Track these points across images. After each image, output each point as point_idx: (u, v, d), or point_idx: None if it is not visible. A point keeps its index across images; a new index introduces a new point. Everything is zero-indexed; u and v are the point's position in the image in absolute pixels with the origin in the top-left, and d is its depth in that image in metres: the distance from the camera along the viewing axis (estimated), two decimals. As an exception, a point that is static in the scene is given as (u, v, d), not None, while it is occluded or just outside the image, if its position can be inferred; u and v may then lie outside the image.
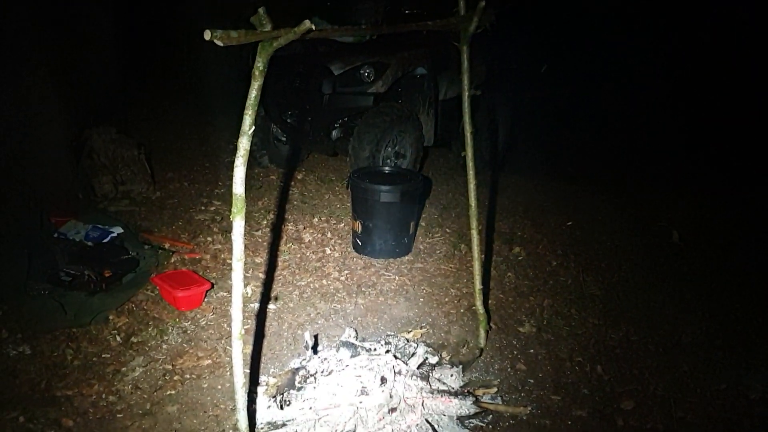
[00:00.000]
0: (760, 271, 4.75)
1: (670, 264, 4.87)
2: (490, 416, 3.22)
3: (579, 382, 3.53)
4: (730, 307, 4.24)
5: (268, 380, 3.47)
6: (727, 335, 3.93)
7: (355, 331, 3.85)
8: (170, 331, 3.97)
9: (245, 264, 2.62)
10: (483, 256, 3.91)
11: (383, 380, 3.24)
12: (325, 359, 3.49)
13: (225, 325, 3.96)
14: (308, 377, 3.33)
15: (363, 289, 4.60)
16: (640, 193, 6.49)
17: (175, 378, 3.50)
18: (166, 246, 5.01)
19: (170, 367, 3.60)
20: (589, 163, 7.91)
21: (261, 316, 4.17)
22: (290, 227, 5.58)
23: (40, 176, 5.58)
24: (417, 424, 3.05)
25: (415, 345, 3.75)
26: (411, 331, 4.00)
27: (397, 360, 3.47)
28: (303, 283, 4.65)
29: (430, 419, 3.10)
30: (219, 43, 2.20)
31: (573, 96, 8.74)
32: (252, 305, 4.20)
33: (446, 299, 4.47)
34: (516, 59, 7.69)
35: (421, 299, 4.47)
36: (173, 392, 3.38)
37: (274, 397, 3.24)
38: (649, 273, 4.74)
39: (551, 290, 4.56)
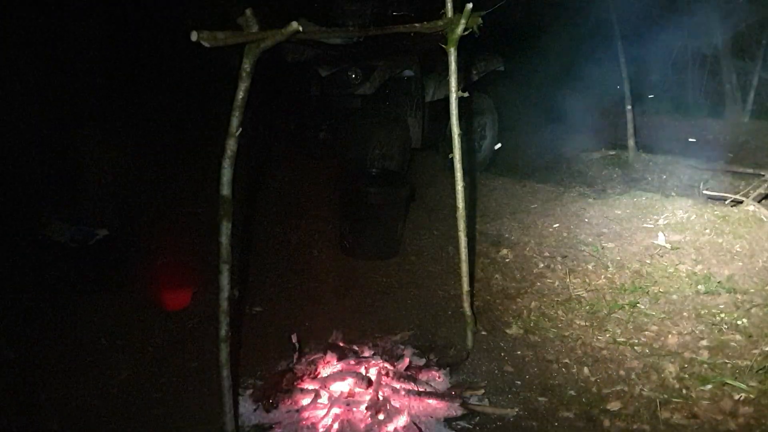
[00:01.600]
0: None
1: (655, 265, 4.89)
2: (477, 418, 3.22)
3: (566, 383, 3.54)
4: (715, 309, 4.26)
5: (254, 383, 3.46)
6: (712, 336, 3.95)
7: (342, 333, 3.84)
8: (156, 333, 3.95)
9: (232, 266, 2.60)
10: (470, 258, 3.91)
11: (370, 382, 3.24)
12: (312, 362, 3.48)
13: (211, 327, 3.92)
14: (295, 379, 3.32)
15: (350, 291, 4.59)
16: (626, 195, 6.52)
17: (161, 381, 3.49)
18: (153, 247, 4.99)
19: (156, 369, 3.58)
20: (575, 164, 7.95)
21: (247, 319, 4.16)
22: (277, 229, 5.56)
23: (25, 178, 5.53)
24: (404, 427, 3.04)
25: (402, 347, 3.75)
26: (398, 333, 4.00)
27: (384, 362, 3.47)
28: (290, 285, 4.64)
29: (417, 421, 3.10)
30: (205, 44, 2.20)
31: (562, 97, 8.79)
32: (238, 307, 4.18)
33: (433, 301, 4.47)
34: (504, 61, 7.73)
35: (409, 301, 4.47)
36: (159, 395, 3.36)
37: (261, 399, 3.23)
38: (634, 275, 4.76)
39: (538, 292, 4.57)
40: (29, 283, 4.38)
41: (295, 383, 3.30)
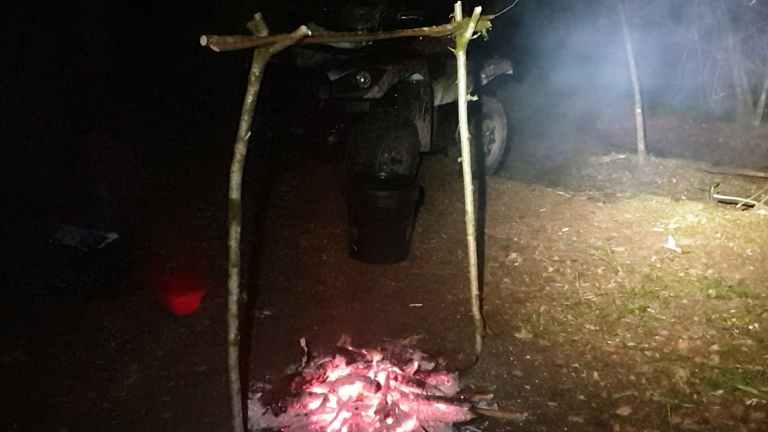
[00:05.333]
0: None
1: (666, 270, 4.87)
2: (487, 423, 3.21)
3: (575, 388, 3.52)
4: (726, 314, 4.24)
5: (263, 386, 3.46)
6: (723, 341, 3.93)
7: (351, 337, 3.84)
8: (165, 337, 3.96)
9: (241, 270, 2.61)
10: (479, 262, 3.90)
11: (379, 386, 3.23)
12: (321, 365, 3.48)
13: (220, 330, 3.94)
14: (304, 383, 3.32)
15: (359, 294, 4.59)
16: (636, 198, 6.49)
17: (170, 384, 3.49)
18: (163, 251, 5.00)
19: (165, 373, 3.59)
20: (584, 168, 7.92)
21: (256, 322, 4.16)
22: (286, 233, 5.57)
23: (35, 182, 5.57)
24: (413, 431, 3.04)
25: (411, 351, 3.75)
26: (407, 338, 3.99)
27: (393, 366, 3.46)
28: (299, 289, 4.64)
29: (425, 426, 3.10)
30: (215, 48, 2.20)
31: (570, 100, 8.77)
32: (247, 311, 4.18)
33: (442, 305, 4.46)
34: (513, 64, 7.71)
35: (417, 305, 4.46)
36: (168, 398, 3.37)
37: (270, 403, 3.23)
38: (645, 279, 4.74)
39: (547, 296, 4.56)
40: (40, 286, 4.40)
41: (304, 387, 3.30)
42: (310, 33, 2.38)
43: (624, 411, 3.31)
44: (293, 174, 7.00)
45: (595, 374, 3.63)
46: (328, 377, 3.39)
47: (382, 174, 5.62)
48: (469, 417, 3.20)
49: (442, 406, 3.22)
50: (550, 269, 4.96)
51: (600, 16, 8.23)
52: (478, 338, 3.83)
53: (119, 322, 4.08)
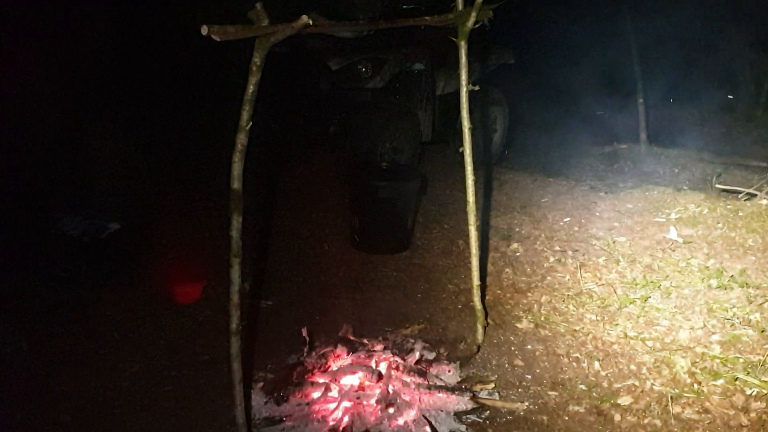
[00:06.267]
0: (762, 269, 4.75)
1: (667, 260, 4.87)
2: (487, 412, 3.22)
3: (576, 377, 3.53)
4: (727, 304, 4.24)
5: (265, 376, 3.47)
6: (724, 331, 3.93)
7: (353, 326, 3.85)
8: (167, 326, 3.97)
9: (242, 260, 2.61)
10: (481, 252, 3.90)
11: (380, 376, 3.25)
12: (323, 355, 3.49)
13: (222, 320, 3.94)
14: (305, 373, 3.33)
15: (360, 284, 4.59)
16: (638, 189, 6.49)
17: (173, 374, 3.50)
18: (164, 241, 5.00)
19: (167, 362, 3.60)
20: (586, 158, 7.91)
21: (258, 312, 4.17)
22: (288, 223, 5.57)
23: (38, 172, 5.56)
24: (414, 420, 3.05)
25: (413, 341, 3.76)
26: (408, 327, 4.00)
27: (395, 356, 3.47)
28: (300, 279, 4.65)
29: (427, 415, 3.11)
30: (216, 38, 2.20)
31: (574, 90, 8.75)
32: (249, 301, 4.19)
33: (444, 295, 4.46)
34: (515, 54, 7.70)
35: (419, 295, 4.47)
36: (170, 388, 3.38)
37: (272, 392, 3.24)
38: (646, 269, 4.74)
39: (549, 286, 4.56)
40: (42, 276, 4.41)
41: (306, 376, 3.31)
42: (311, 22, 2.37)
43: (625, 400, 3.32)
44: (295, 164, 6.99)
45: (596, 364, 3.64)
46: (329, 367, 3.40)
47: (384, 164, 5.61)
48: (470, 406, 3.22)
49: (443, 396, 3.23)
50: (552, 259, 4.96)
51: (603, 7, 8.20)
52: (480, 328, 3.84)
53: (121, 312, 4.09)
